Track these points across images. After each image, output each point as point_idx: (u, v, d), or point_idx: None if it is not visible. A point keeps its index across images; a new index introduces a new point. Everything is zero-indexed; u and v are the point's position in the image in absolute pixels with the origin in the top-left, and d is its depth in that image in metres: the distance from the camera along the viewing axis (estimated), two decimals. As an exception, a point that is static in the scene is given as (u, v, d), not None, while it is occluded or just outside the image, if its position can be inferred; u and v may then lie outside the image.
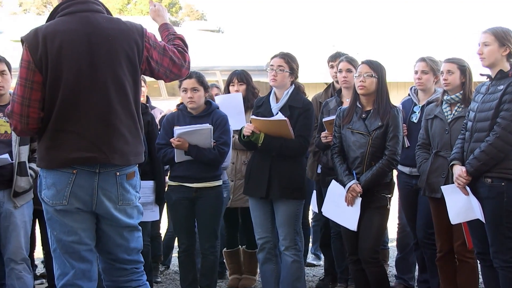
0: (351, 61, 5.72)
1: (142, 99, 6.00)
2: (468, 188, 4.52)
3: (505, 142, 4.36)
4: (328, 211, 5.24)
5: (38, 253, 6.41)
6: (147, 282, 3.71)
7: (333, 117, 5.28)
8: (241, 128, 5.31)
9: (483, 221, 4.45)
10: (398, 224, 6.18)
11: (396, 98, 6.27)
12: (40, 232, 5.70)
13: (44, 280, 6.33)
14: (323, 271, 6.54)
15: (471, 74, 5.09)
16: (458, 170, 4.54)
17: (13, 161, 4.82)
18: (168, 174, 5.69)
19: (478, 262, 4.89)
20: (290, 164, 5.23)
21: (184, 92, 5.40)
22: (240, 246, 6.39)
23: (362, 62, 5.06)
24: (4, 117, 4.73)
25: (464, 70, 5.07)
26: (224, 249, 6.34)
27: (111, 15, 3.63)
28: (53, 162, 3.42)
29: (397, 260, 6.15)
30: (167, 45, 3.68)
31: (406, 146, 5.49)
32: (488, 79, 4.59)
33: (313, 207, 6.39)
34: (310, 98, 5.68)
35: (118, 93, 3.45)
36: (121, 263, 3.61)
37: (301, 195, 5.29)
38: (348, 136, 5.03)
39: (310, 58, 15.49)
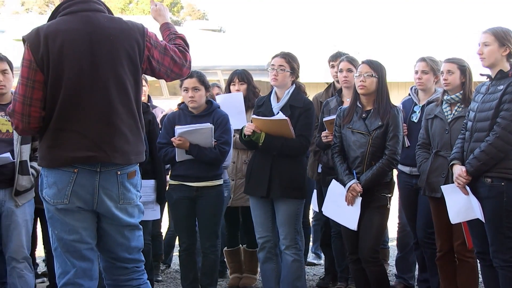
0: (351, 60, 5.73)
1: (144, 98, 6.03)
2: (468, 188, 4.53)
3: (505, 142, 4.37)
4: (328, 210, 5.25)
5: (40, 252, 6.42)
6: (148, 281, 3.72)
7: (334, 116, 5.29)
8: (242, 128, 5.32)
9: (483, 220, 4.46)
10: (398, 223, 6.19)
11: (397, 98, 6.29)
12: (42, 230, 5.71)
13: (45, 279, 6.35)
14: (323, 270, 6.56)
15: (471, 74, 5.09)
16: (458, 169, 4.55)
17: (15, 160, 4.83)
18: (169, 173, 5.71)
19: (478, 261, 4.89)
20: (291, 163, 5.24)
21: (185, 91, 5.41)
22: (240, 245, 6.40)
23: (363, 62, 5.07)
24: (5, 116, 4.74)
25: (464, 70, 5.08)
26: (225, 248, 6.35)
27: (112, 14, 3.64)
28: (54, 161, 3.43)
29: (397, 259, 6.16)
30: (168, 44, 3.68)
31: (406, 146, 5.50)
32: (488, 79, 4.60)
33: (313, 206, 6.41)
34: (311, 98, 5.69)
35: (119, 93, 3.46)
36: (122, 262, 3.61)
37: (302, 194, 5.30)
38: (349, 136, 5.04)
39: (311, 58, 15.49)
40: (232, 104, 5.92)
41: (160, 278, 6.57)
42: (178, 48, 3.70)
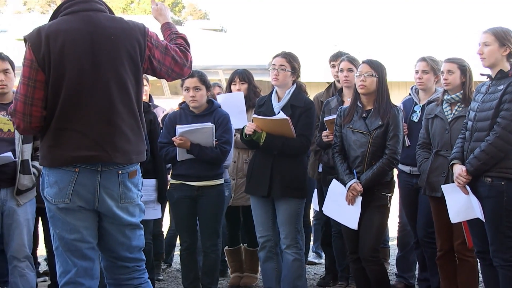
0: (352, 60, 5.74)
1: (145, 98, 6.03)
2: (468, 187, 4.54)
3: (505, 141, 4.38)
4: (329, 209, 5.26)
5: (41, 251, 6.43)
6: (149, 280, 3.72)
7: (334, 116, 5.30)
8: (243, 127, 5.33)
9: (483, 220, 4.46)
10: (398, 223, 6.19)
11: (397, 98, 6.30)
12: (43, 230, 5.71)
13: (47, 278, 6.36)
14: (324, 269, 6.57)
15: (471, 74, 5.10)
16: (458, 169, 4.56)
17: (16, 159, 4.84)
18: (170, 172, 5.72)
19: (478, 261, 4.90)
20: (292, 163, 5.25)
21: (186, 91, 5.42)
22: (241, 244, 6.41)
23: (363, 62, 5.08)
24: (7, 116, 4.75)
25: (464, 70, 5.08)
26: (226, 247, 6.36)
27: (113, 14, 3.64)
28: (56, 161, 3.43)
29: (397, 258, 6.17)
30: (169, 44, 3.68)
31: (407, 145, 5.51)
32: (488, 79, 4.61)
33: (314, 205, 6.41)
34: (311, 97, 5.70)
35: (120, 92, 3.46)
36: (123, 261, 3.61)
37: (302, 193, 5.31)
38: (349, 135, 5.05)
39: (312, 58, 15.51)
40: (233, 104, 5.93)
41: (161, 277, 6.58)
42: (179, 48, 3.70)
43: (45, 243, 5.75)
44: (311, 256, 7.31)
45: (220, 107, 5.53)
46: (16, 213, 4.86)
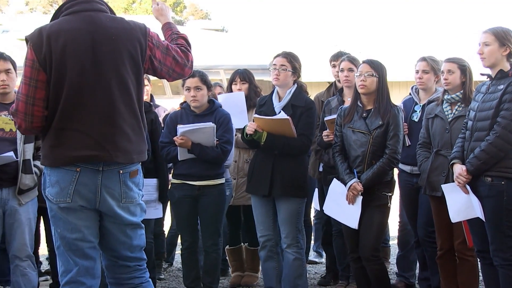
0: (352, 60, 5.75)
1: (146, 98, 6.05)
2: (468, 187, 4.54)
3: (505, 141, 4.39)
4: (330, 209, 5.27)
5: (43, 250, 6.44)
6: (150, 279, 3.73)
7: (335, 116, 5.31)
8: (244, 127, 5.34)
9: (483, 219, 4.47)
10: (399, 222, 6.20)
11: (398, 97, 6.32)
12: (45, 229, 5.72)
13: (48, 277, 6.36)
14: (324, 268, 6.57)
15: (472, 73, 5.11)
16: (459, 169, 4.57)
17: (18, 159, 4.85)
18: (171, 172, 5.73)
19: (478, 260, 4.91)
20: (292, 162, 5.26)
21: (187, 90, 5.44)
22: (242, 244, 6.42)
23: (363, 62, 5.10)
24: (9, 115, 4.76)
25: (464, 69, 5.09)
26: (227, 247, 6.37)
27: (114, 14, 3.65)
28: (57, 160, 3.44)
29: (398, 258, 6.17)
30: (170, 44, 3.69)
31: (407, 145, 5.52)
32: (488, 79, 4.62)
33: (315, 205, 6.42)
34: (312, 97, 5.71)
35: (121, 92, 3.47)
36: (124, 260, 3.62)
37: (303, 193, 5.32)
38: (349, 135, 5.07)
39: (313, 57, 15.51)
40: (234, 104, 5.94)
41: (162, 276, 6.59)
42: (180, 48, 3.70)
43: (46, 242, 5.77)
44: (312, 255, 7.31)
45: (221, 106, 5.55)
46: (18, 212, 4.87)
